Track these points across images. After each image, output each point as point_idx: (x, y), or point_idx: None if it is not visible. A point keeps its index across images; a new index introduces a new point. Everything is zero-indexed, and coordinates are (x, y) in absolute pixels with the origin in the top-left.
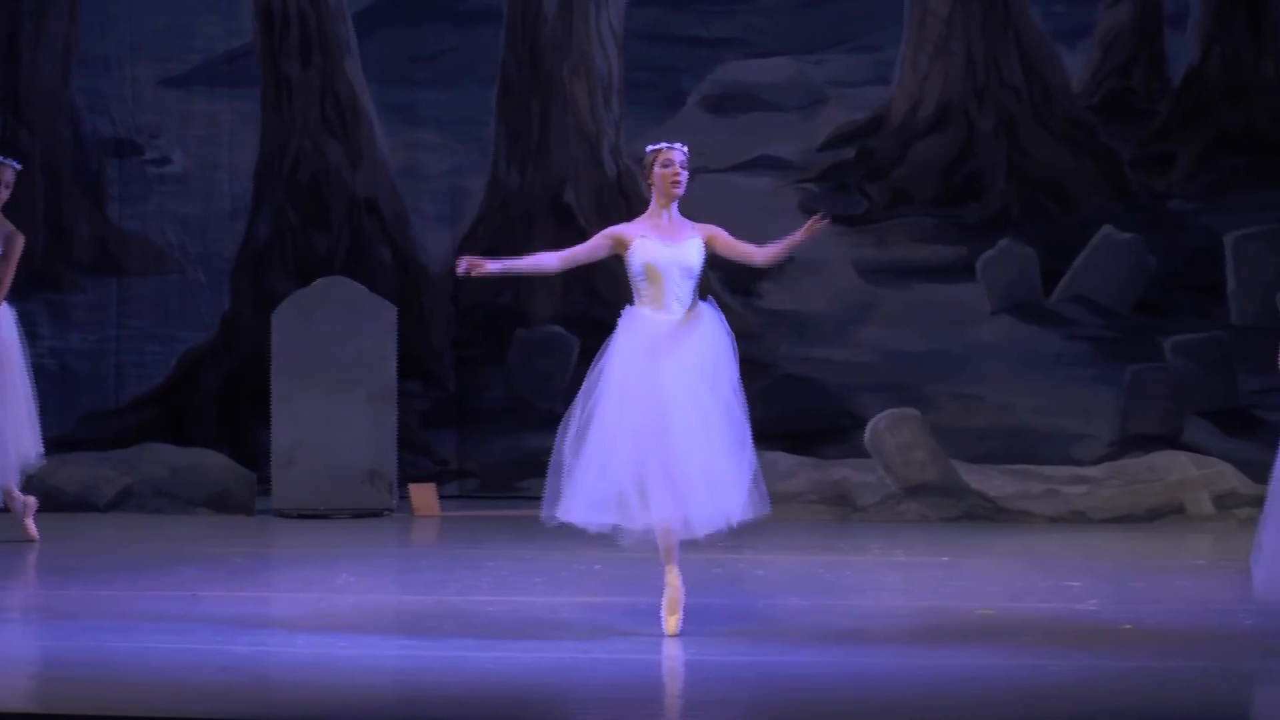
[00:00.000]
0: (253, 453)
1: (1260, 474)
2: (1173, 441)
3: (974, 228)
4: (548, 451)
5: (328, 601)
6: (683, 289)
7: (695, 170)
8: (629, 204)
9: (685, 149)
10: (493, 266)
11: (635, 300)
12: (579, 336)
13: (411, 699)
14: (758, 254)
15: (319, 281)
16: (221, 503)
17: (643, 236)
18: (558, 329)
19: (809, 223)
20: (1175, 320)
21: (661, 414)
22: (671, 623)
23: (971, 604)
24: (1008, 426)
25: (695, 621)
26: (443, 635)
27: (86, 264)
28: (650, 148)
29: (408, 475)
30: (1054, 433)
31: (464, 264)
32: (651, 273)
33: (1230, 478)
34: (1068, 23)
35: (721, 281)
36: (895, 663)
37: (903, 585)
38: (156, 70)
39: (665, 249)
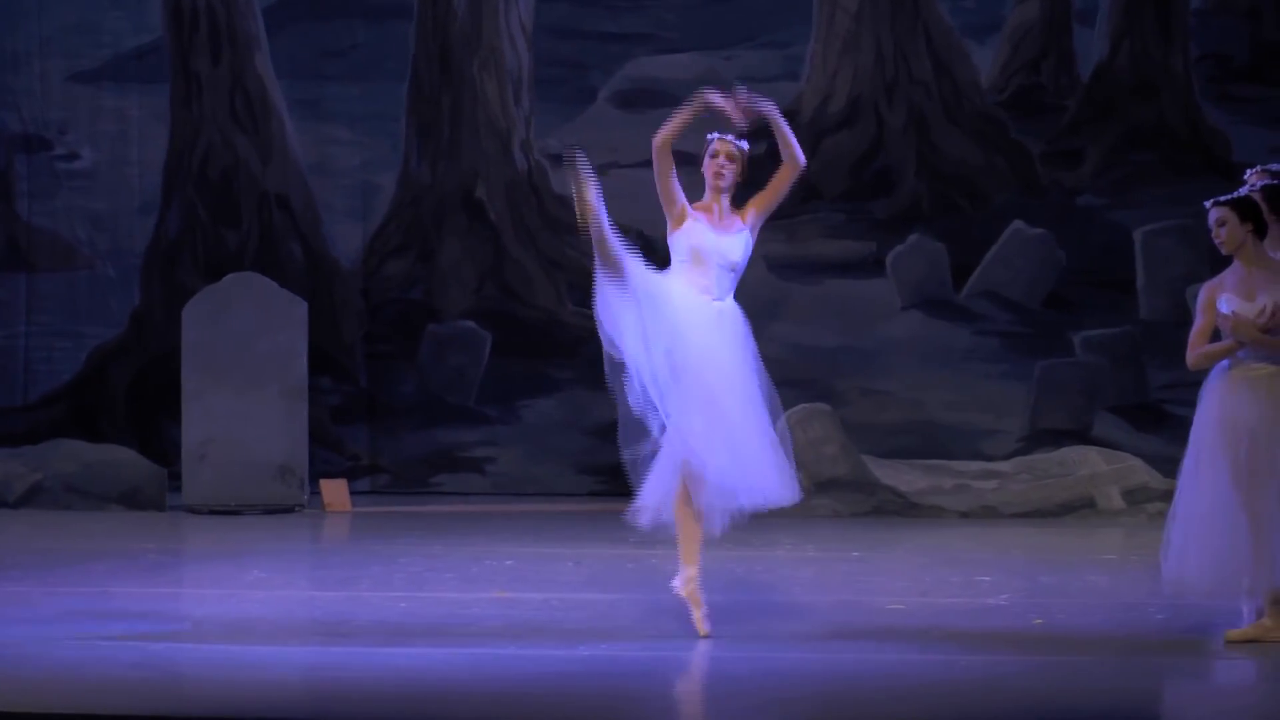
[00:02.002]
0: (164, 449)
1: (1169, 469)
2: (1083, 436)
3: (884, 223)
4: (459, 447)
5: (239, 598)
6: (724, 279)
7: (606, 165)
8: (540, 199)
9: (739, 142)
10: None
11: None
12: (491, 332)
13: (323, 696)
14: (783, 172)
15: (229, 277)
16: (132, 499)
17: (695, 219)
18: (470, 324)
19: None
20: (1085, 315)
21: (727, 394)
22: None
23: (882, 599)
24: (918, 422)
25: (606, 619)
26: (354, 632)
27: None
28: (709, 135)
29: (319, 471)
30: (964, 428)
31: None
32: (697, 257)
33: (1140, 472)
34: (977, 18)
35: None
36: (806, 658)
37: (814, 581)
38: (66, 65)
39: (714, 237)
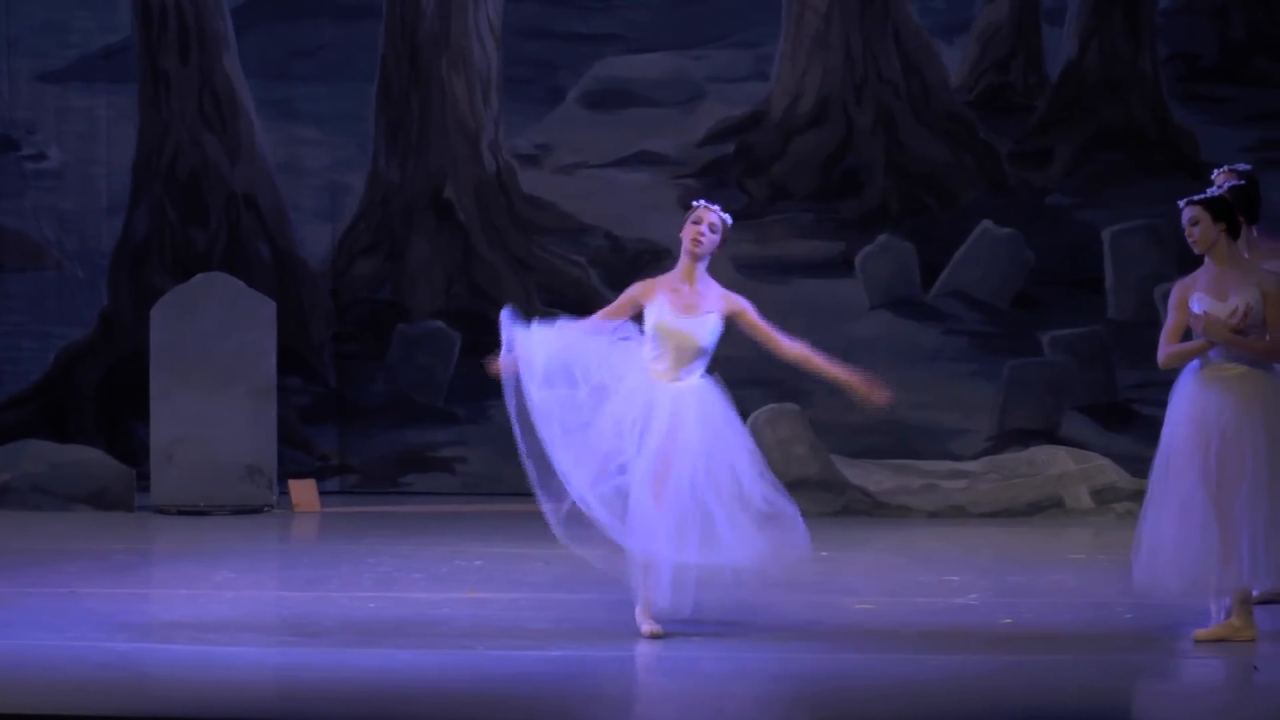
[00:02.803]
0: (132, 449)
1: (1138, 468)
2: (1051, 436)
3: (853, 223)
4: (429, 447)
5: (207, 598)
6: (683, 360)
7: (574, 165)
8: (509, 199)
9: (724, 215)
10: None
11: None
12: (460, 332)
13: (292, 696)
14: (783, 344)
15: (198, 277)
16: (100, 499)
17: (658, 301)
18: (439, 324)
19: (872, 385)
20: (1053, 315)
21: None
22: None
23: (851, 599)
24: (887, 422)
25: (575, 619)
26: (323, 632)
27: None
28: (694, 201)
29: (288, 471)
30: (933, 428)
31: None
32: (659, 336)
33: (1109, 472)
34: (946, 18)
35: (600, 278)
36: (775, 658)
37: (782, 580)
38: (33, 65)
39: (677, 320)
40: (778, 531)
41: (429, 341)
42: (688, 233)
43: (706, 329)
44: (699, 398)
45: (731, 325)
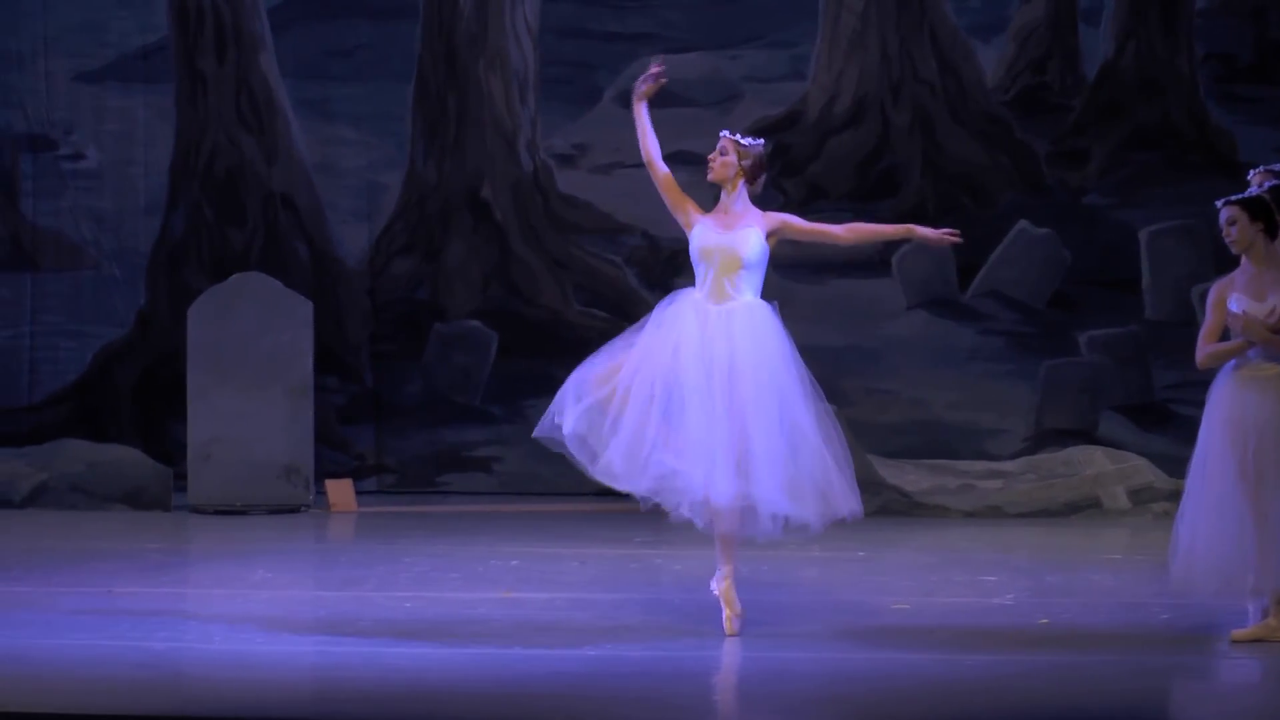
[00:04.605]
0: (169, 449)
1: (1175, 468)
2: (1088, 436)
3: (889, 223)
4: (465, 447)
5: (244, 598)
6: (734, 278)
7: (611, 165)
8: (545, 199)
9: (731, 134)
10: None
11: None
12: (497, 331)
13: (328, 696)
14: (835, 232)
15: (235, 277)
16: (137, 499)
17: (701, 222)
18: (475, 324)
19: (944, 232)
20: (1090, 315)
21: (677, 394)
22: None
23: (887, 599)
24: (923, 421)
25: (611, 618)
26: (359, 632)
27: (0, 260)
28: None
29: (325, 471)
30: (969, 428)
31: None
32: (702, 258)
33: (1145, 472)
34: (982, 18)
35: (637, 277)
36: (811, 658)
37: (819, 580)
38: (71, 65)
39: (715, 236)
40: (826, 482)
41: (465, 341)
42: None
43: (748, 242)
44: (749, 315)
45: (785, 238)
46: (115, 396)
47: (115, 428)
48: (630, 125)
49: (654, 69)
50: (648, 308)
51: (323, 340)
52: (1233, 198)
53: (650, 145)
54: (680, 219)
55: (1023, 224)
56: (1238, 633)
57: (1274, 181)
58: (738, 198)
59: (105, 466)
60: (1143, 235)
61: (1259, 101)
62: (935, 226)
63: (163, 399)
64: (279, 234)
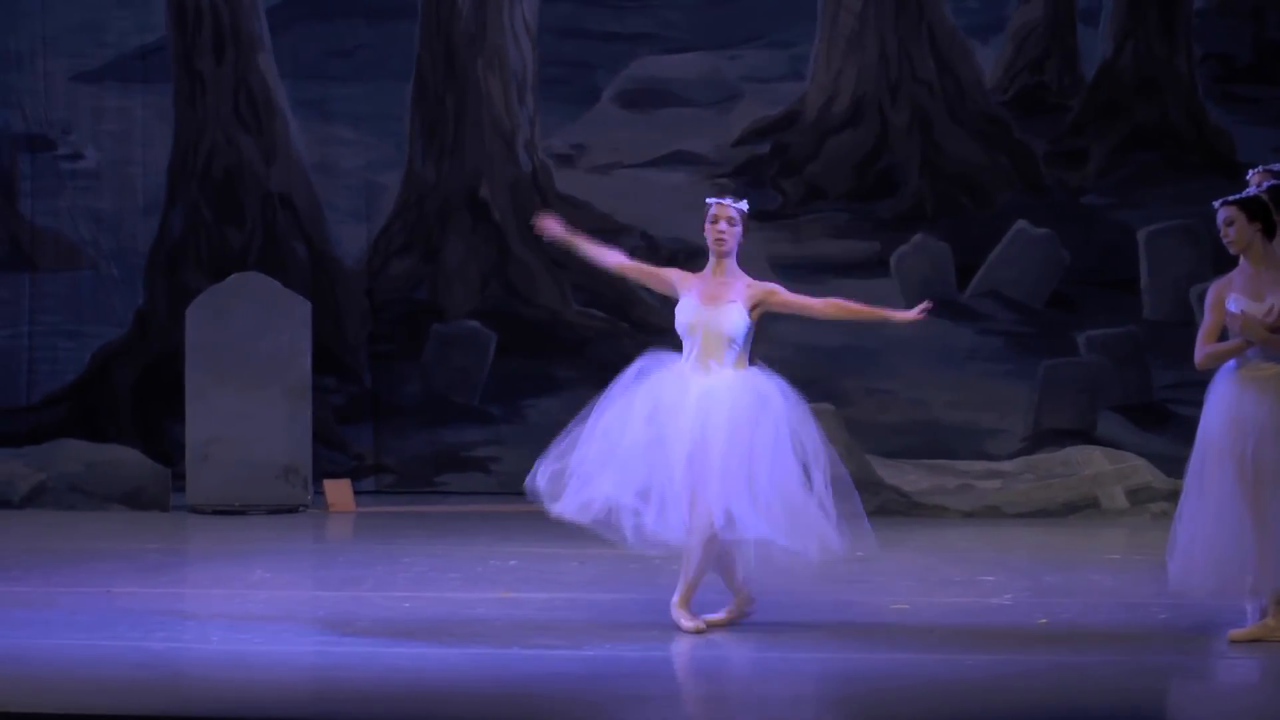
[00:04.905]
0: (167, 449)
1: (1174, 468)
2: (1086, 436)
3: (888, 223)
4: (464, 447)
5: (242, 598)
6: (720, 354)
7: (610, 165)
8: (544, 199)
9: (737, 203)
10: (561, 234)
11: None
12: (495, 331)
13: (326, 695)
14: (816, 306)
15: (233, 277)
16: (136, 499)
17: (688, 294)
18: (474, 324)
19: (918, 309)
20: (1089, 315)
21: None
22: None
23: (886, 599)
24: (922, 421)
25: (610, 619)
26: (358, 632)
27: None
28: (707, 200)
29: (323, 471)
30: (968, 427)
31: (539, 224)
32: (687, 332)
33: (1144, 472)
34: (980, 18)
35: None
36: (810, 658)
37: (817, 580)
38: (69, 65)
39: (700, 310)
40: (805, 521)
41: (464, 341)
42: (709, 233)
43: (730, 317)
44: (729, 388)
45: (766, 311)
46: (114, 397)
47: (114, 428)
48: (628, 126)
49: (542, 226)
50: (647, 309)
51: (321, 340)
52: (1231, 198)
53: (609, 260)
54: (668, 292)
55: (1021, 224)
56: (1236, 633)
57: (1272, 181)
58: (729, 268)
59: (104, 467)
60: (1141, 235)
61: (1257, 101)
62: (933, 226)
63: (161, 399)
64: (277, 234)
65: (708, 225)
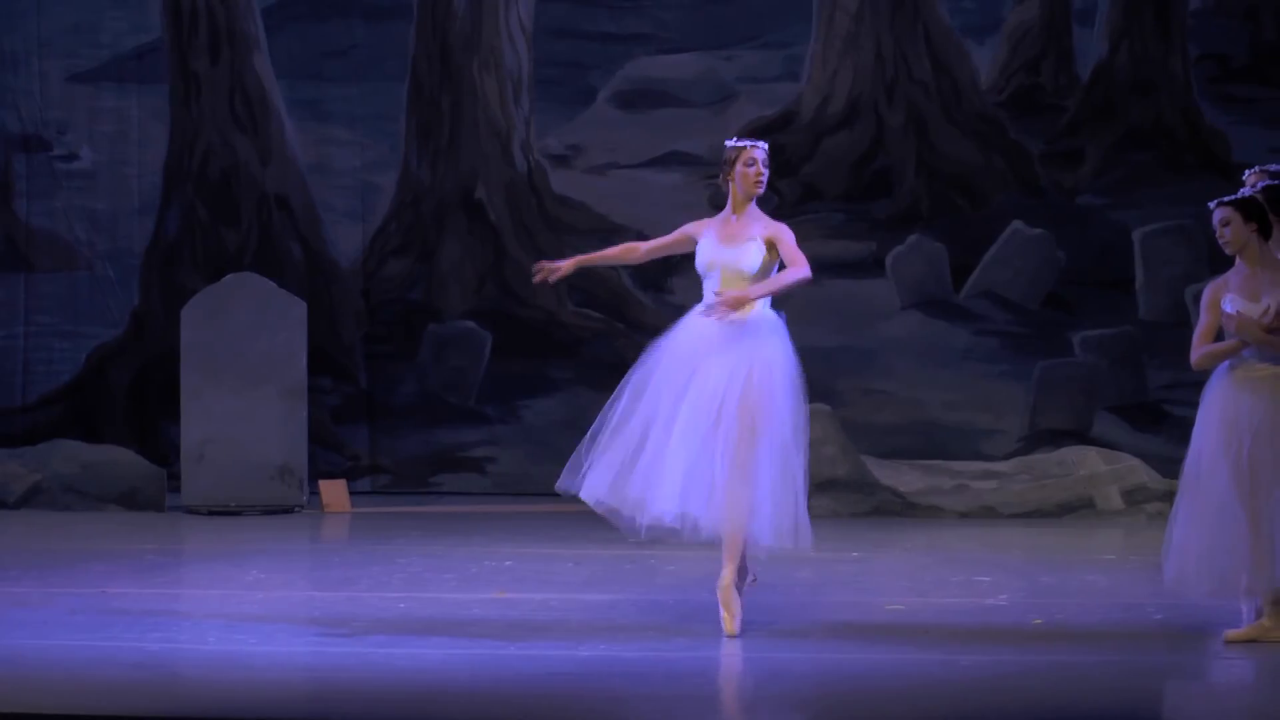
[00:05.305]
0: (163, 449)
1: (1169, 469)
2: (1082, 436)
3: (883, 223)
4: (459, 447)
5: (238, 599)
6: (734, 289)
7: (605, 166)
8: (540, 199)
9: (766, 147)
10: (566, 265)
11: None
12: (491, 332)
13: (322, 696)
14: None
15: (229, 277)
16: (131, 499)
17: (706, 236)
18: (470, 324)
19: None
20: (1084, 315)
21: (672, 410)
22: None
23: (881, 599)
24: (917, 422)
25: (605, 619)
26: (354, 632)
27: None
28: (730, 144)
29: (318, 471)
30: (964, 428)
31: (539, 274)
32: (707, 270)
33: (1139, 472)
34: (976, 19)
35: (631, 277)
36: (805, 658)
37: (813, 581)
38: (64, 66)
39: (720, 250)
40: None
41: (460, 341)
42: (748, 175)
43: (749, 255)
44: (747, 332)
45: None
46: (109, 397)
47: (109, 428)
48: (624, 127)
49: (546, 272)
50: (642, 309)
51: (316, 341)
52: (1226, 198)
53: (630, 256)
54: (690, 248)
55: (1017, 224)
56: (1231, 633)
57: (1268, 182)
58: (751, 208)
59: (99, 467)
60: (1137, 236)
61: (1253, 102)
62: (929, 226)
63: (157, 399)
64: (273, 234)
65: (742, 169)
